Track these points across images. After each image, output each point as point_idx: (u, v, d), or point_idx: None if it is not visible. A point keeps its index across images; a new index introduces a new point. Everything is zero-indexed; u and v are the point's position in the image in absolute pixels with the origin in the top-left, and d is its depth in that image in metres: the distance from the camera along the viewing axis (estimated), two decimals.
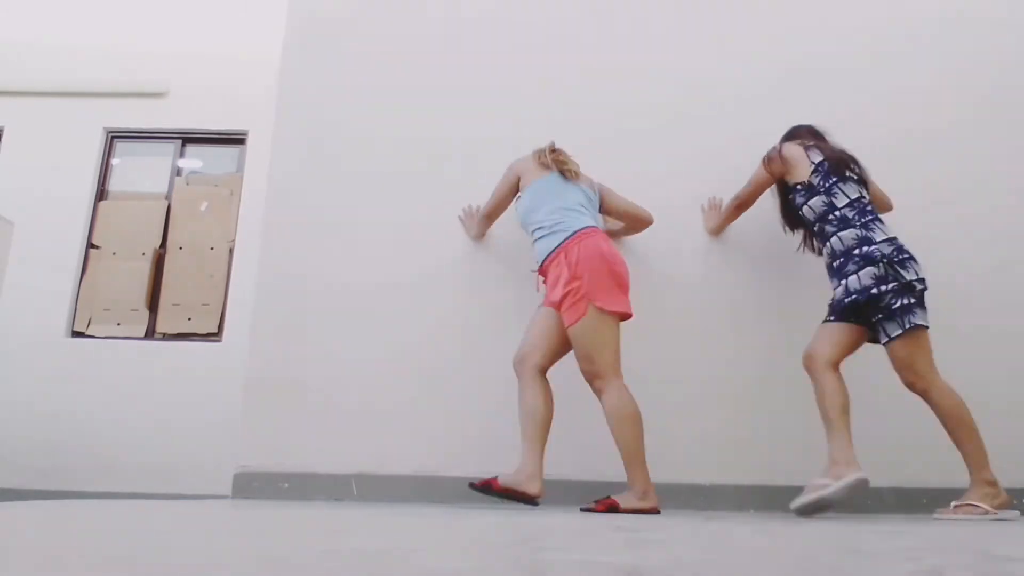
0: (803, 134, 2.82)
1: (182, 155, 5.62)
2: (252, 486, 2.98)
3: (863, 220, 2.54)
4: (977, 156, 3.32)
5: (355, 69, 3.48)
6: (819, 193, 2.63)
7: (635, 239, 3.20)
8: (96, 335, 5.17)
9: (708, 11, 3.53)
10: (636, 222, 3.03)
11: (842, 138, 2.81)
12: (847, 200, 2.59)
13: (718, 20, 3.52)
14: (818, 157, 2.66)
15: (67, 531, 1.35)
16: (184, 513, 1.90)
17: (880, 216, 2.61)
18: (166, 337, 5.19)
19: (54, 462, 4.76)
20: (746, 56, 3.45)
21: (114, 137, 5.59)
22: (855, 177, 2.64)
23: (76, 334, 5.19)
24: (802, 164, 2.67)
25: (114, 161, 5.60)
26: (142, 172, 5.59)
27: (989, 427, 3.00)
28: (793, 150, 2.71)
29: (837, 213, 2.59)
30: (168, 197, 5.51)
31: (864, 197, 2.61)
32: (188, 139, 5.61)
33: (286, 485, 2.98)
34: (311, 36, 3.53)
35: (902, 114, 3.35)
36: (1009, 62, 3.44)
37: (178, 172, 5.59)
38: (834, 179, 2.61)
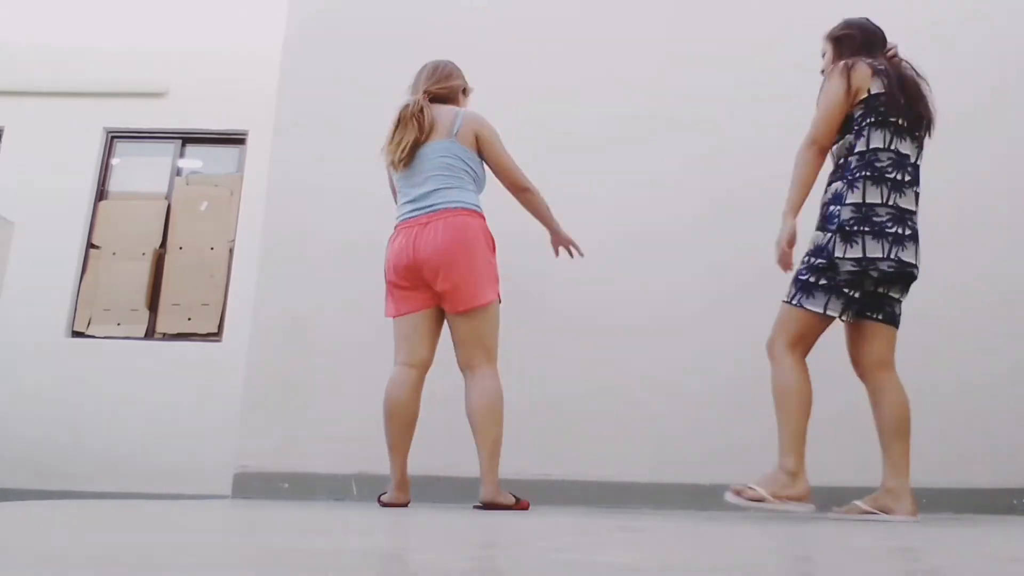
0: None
1: (182, 155, 5.62)
2: (252, 486, 2.98)
3: None
4: (976, 158, 3.32)
5: (355, 69, 3.48)
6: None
7: (639, 240, 3.20)
8: (96, 335, 5.17)
9: (704, 18, 3.53)
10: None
11: None
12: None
13: (714, 25, 3.52)
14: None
15: (67, 531, 1.35)
16: (184, 513, 1.90)
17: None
18: (166, 337, 5.19)
19: (54, 462, 4.76)
20: (742, 61, 3.43)
21: (114, 137, 5.59)
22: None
23: (76, 334, 5.18)
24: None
25: (114, 161, 5.60)
26: (142, 172, 5.59)
27: (988, 427, 3.01)
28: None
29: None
30: (168, 197, 5.51)
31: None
32: (188, 139, 5.61)
33: (286, 485, 2.98)
34: (311, 36, 3.53)
35: None
36: (1013, 63, 3.44)
37: (178, 172, 5.58)
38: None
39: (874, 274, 2.21)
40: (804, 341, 2.30)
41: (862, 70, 2.28)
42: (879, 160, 2.24)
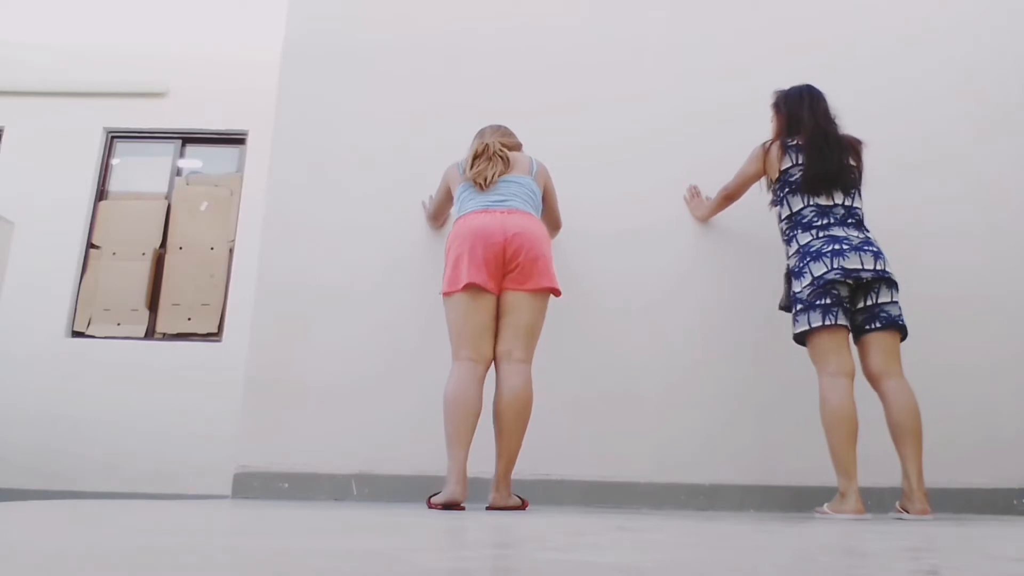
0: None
1: (182, 155, 5.62)
2: (252, 486, 2.98)
3: None
4: (971, 164, 3.32)
5: (354, 70, 3.48)
6: None
7: (639, 241, 3.21)
8: (96, 335, 5.17)
9: (701, 28, 3.53)
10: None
11: None
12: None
13: (711, 35, 3.52)
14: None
15: (67, 531, 1.35)
16: (183, 513, 1.90)
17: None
18: (166, 337, 5.19)
19: (54, 462, 4.76)
20: (737, 72, 3.43)
21: (114, 137, 5.59)
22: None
23: (76, 334, 5.18)
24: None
25: (114, 161, 5.60)
26: (142, 172, 5.59)
27: (988, 427, 3.01)
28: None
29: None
30: (168, 197, 5.51)
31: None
32: (188, 139, 5.61)
33: (286, 485, 2.98)
34: (311, 37, 3.53)
35: (896, 129, 3.32)
36: (1008, 68, 3.44)
37: (178, 172, 5.59)
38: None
39: (827, 286, 2.48)
40: (828, 360, 2.50)
41: (773, 153, 2.69)
42: (803, 216, 2.60)
